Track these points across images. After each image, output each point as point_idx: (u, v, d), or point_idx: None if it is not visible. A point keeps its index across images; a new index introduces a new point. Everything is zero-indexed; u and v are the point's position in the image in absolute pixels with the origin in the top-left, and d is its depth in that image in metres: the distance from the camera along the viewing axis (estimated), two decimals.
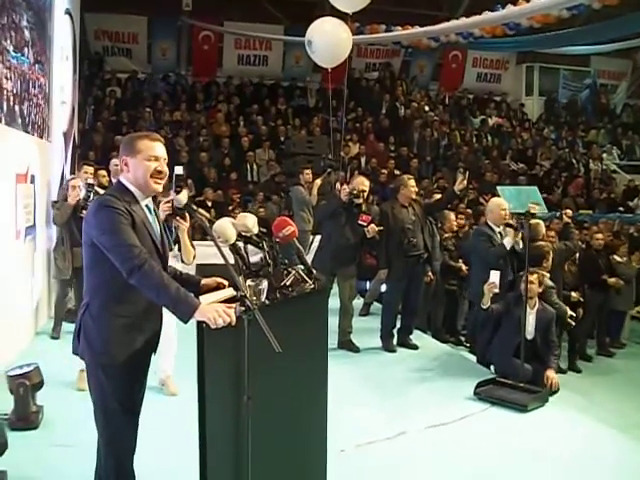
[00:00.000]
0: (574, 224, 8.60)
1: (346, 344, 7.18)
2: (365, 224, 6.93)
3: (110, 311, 3.03)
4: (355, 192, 6.93)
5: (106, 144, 12.83)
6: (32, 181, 7.01)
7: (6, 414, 4.69)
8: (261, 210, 11.01)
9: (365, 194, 7.15)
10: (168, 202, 3.83)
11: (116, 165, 7.97)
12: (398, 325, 7.55)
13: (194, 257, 4.90)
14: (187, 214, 3.93)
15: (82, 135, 12.39)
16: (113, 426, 3.11)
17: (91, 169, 7.90)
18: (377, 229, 6.97)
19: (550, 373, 6.12)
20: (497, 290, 6.15)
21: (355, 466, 4.32)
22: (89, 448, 3.34)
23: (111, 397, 3.07)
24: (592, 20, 14.17)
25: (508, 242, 6.55)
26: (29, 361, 5.04)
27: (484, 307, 6.21)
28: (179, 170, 3.35)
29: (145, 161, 3.09)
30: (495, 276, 6.10)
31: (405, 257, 7.20)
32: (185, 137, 13.97)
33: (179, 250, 4.82)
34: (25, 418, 4.69)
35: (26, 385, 4.70)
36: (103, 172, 7.79)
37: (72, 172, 8.89)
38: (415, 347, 7.42)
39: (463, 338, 8.88)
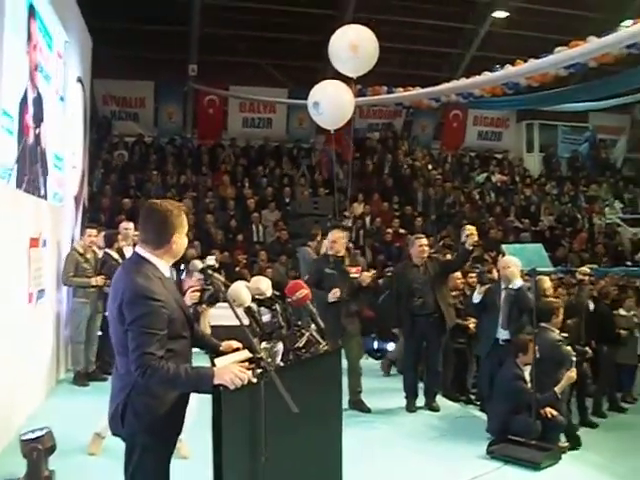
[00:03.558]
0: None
1: (357, 404, 7.11)
2: (357, 275, 6.96)
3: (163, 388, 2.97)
4: (331, 252, 7.03)
5: (114, 207, 13.01)
6: (44, 245, 7.11)
7: (18, 478, 4.66)
8: (268, 271, 11.07)
9: (342, 244, 7.18)
10: (195, 291, 3.90)
11: (126, 229, 8.14)
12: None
13: None
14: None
15: (90, 198, 12.57)
16: None
17: (94, 232, 8.07)
18: (370, 275, 6.99)
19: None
20: None
21: None
22: None
23: (153, 477, 3.05)
24: (589, 77, 14.45)
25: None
26: (41, 424, 5.04)
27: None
28: (211, 260, 3.47)
29: (184, 236, 3.14)
30: None
31: (414, 316, 7.23)
32: (192, 199, 14.13)
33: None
34: None
35: (39, 449, 4.67)
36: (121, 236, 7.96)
37: (81, 235, 8.99)
38: (437, 409, 7.34)
39: (473, 397, 8.82)
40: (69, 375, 8.24)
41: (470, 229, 7.16)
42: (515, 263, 6.52)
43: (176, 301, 3.07)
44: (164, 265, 3.11)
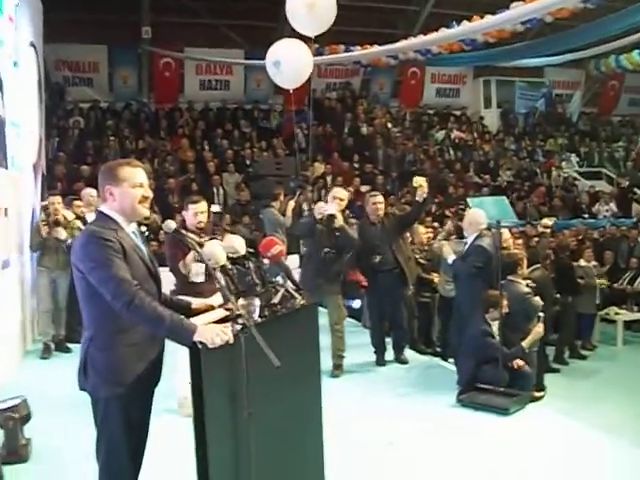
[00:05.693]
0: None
1: (338, 368, 6.96)
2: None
3: (118, 340, 3.00)
4: (326, 214, 6.74)
5: (70, 174, 12.80)
6: (5, 214, 7.00)
7: None
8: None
9: (343, 202, 7.06)
10: None
11: (92, 196, 8.04)
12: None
13: None
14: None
15: (47, 166, 12.34)
16: (116, 464, 3.07)
17: (58, 199, 7.95)
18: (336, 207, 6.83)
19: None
20: None
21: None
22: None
23: (120, 432, 3.04)
24: (545, 33, 14.57)
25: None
26: (13, 394, 5.02)
27: None
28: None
29: (131, 188, 3.09)
30: None
31: (375, 273, 7.30)
32: (151, 164, 13.96)
33: None
34: (15, 452, 4.67)
35: (15, 418, 4.68)
36: (79, 202, 7.81)
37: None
38: (405, 362, 7.42)
39: (439, 349, 8.99)
40: (37, 345, 8.17)
41: (419, 180, 7.12)
42: (481, 215, 6.59)
43: (135, 252, 3.09)
44: (124, 220, 3.12)
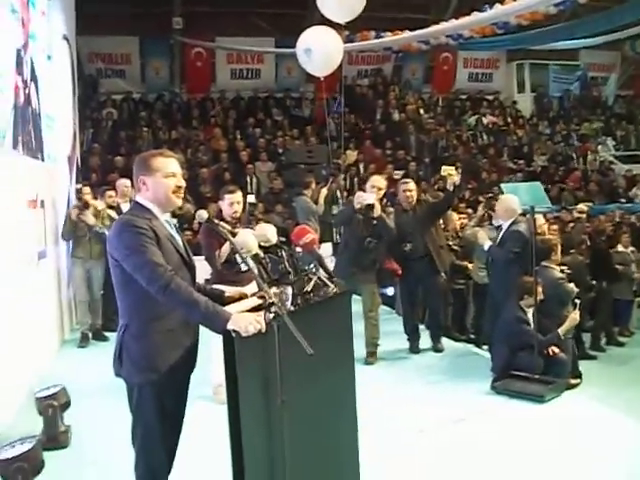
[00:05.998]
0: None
1: (372, 355, 6.94)
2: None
3: (152, 328, 3.05)
4: (364, 203, 6.66)
5: (105, 165, 12.94)
6: (42, 206, 7.11)
7: (35, 436, 4.75)
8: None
9: (380, 192, 6.99)
10: None
11: (126, 187, 8.13)
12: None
13: None
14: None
15: (81, 158, 12.48)
16: (151, 449, 3.12)
17: (87, 189, 8.07)
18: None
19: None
20: None
21: (384, 467, 4.38)
22: (120, 465, 3.43)
23: (153, 418, 3.08)
24: (579, 14, 14.33)
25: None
26: (52, 382, 5.12)
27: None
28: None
29: (164, 178, 3.13)
30: None
31: (406, 261, 7.26)
32: (184, 154, 14.04)
33: None
34: (55, 438, 4.77)
35: (54, 406, 4.77)
36: (111, 193, 7.89)
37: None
38: (441, 350, 7.37)
39: (472, 336, 8.94)
40: (75, 334, 8.30)
41: (447, 170, 7.06)
42: (515, 202, 6.50)
43: (169, 240, 3.13)
44: (158, 210, 3.17)
